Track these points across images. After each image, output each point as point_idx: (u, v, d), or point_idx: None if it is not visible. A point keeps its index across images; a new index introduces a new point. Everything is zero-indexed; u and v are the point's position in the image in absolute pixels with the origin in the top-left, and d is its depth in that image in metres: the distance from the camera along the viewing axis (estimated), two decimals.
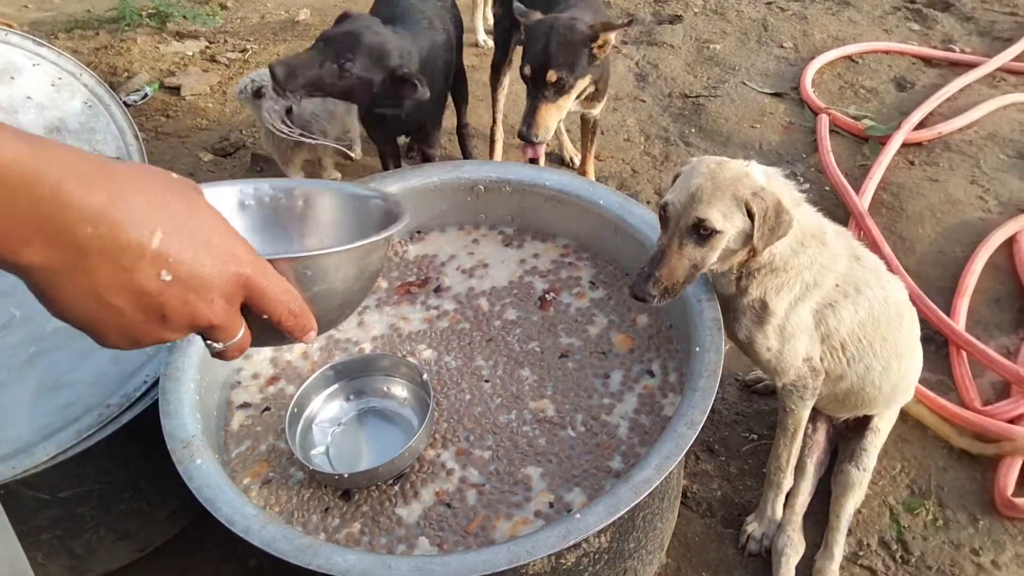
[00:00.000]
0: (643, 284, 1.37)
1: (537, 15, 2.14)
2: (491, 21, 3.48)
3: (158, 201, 0.57)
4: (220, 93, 3.51)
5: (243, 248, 0.63)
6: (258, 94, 2.40)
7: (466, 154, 2.94)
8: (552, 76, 2.05)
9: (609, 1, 4.12)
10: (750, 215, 1.35)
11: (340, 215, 1.00)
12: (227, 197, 0.92)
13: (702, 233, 1.36)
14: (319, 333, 0.75)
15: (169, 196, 0.59)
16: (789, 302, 1.48)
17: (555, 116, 2.15)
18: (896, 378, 1.65)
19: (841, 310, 1.51)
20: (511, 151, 3.06)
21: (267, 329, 0.68)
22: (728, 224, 1.35)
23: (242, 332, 0.65)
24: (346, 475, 1.34)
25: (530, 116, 2.10)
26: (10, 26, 2.43)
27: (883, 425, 1.80)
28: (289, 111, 2.42)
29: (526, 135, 2.11)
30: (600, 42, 2.10)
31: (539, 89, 2.09)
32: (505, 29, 2.76)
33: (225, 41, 3.92)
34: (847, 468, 1.77)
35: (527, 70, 2.09)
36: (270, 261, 0.68)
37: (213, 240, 0.60)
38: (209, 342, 0.65)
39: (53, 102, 2.51)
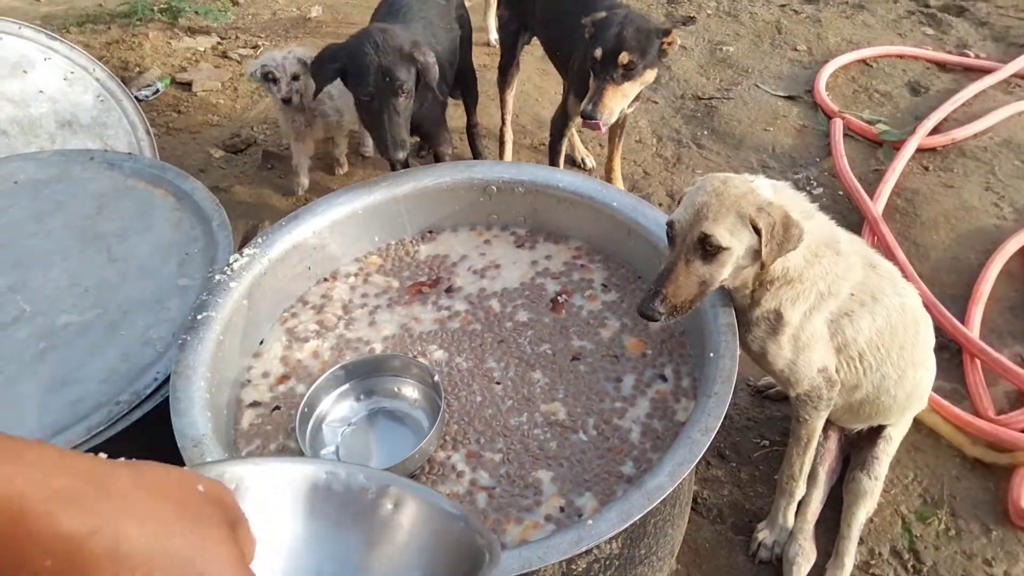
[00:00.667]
0: (650, 302, 1.36)
1: (603, 13, 2.18)
2: None
3: (156, 530, 0.46)
4: (231, 89, 3.51)
5: None
6: (267, 77, 2.49)
7: (476, 154, 2.93)
8: (624, 58, 2.09)
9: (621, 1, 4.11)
10: (757, 231, 1.34)
11: (420, 531, 0.79)
12: (297, 479, 0.72)
13: (708, 249, 1.35)
14: None
15: (174, 524, 0.47)
16: (803, 312, 1.47)
17: (619, 101, 2.17)
18: (911, 386, 1.63)
19: (859, 319, 1.49)
20: (521, 151, 3.05)
21: None
22: (735, 240, 1.35)
23: None
24: None
25: (597, 96, 2.13)
26: None
27: (895, 433, 1.78)
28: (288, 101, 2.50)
29: (591, 112, 2.12)
30: (670, 39, 2.14)
31: (608, 71, 2.12)
32: (511, 32, 2.75)
33: (237, 37, 3.92)
34: (859, 476, 1.76)
35: (598, 53, 2.12)
36: None
37: None
38: None
39: (65, 96, 2.51)
